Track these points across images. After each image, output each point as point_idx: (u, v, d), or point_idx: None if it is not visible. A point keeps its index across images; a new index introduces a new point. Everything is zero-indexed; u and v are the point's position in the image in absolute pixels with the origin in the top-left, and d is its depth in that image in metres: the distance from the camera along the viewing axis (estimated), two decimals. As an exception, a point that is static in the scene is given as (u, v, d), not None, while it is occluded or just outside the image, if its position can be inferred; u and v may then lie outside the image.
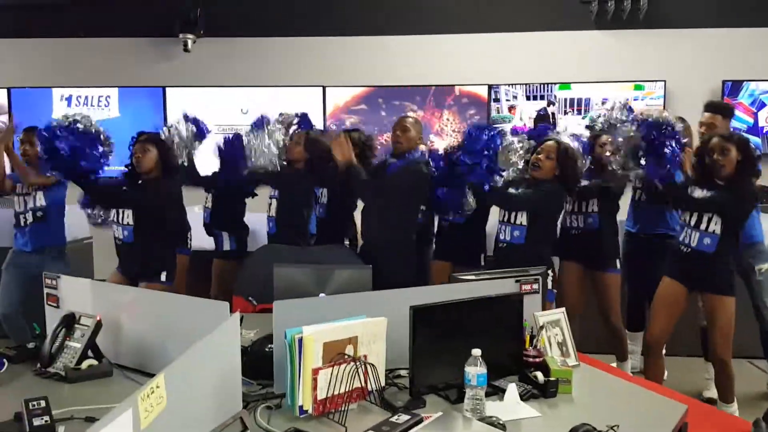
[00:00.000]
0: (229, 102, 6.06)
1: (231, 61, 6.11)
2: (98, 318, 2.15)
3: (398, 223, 3.40)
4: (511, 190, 3.32)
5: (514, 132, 3.92)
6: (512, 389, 1.89)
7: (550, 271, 3.09)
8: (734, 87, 5.67)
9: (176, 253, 3.81)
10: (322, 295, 2.45)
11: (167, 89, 6.07)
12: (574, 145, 3.39)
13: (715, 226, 3.00)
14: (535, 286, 2.39)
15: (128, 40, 6.16)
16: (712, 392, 3.50)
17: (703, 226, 3.02)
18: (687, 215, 3.10)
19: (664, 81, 5.72)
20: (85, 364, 2.11)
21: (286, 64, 6.11)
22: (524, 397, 1.92)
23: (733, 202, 3.00)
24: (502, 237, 3.31)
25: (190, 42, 5.87)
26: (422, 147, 4.21)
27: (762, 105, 5.66)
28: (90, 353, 2.14)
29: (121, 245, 3.51)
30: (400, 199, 3.37)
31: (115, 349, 2.20)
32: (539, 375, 2.00)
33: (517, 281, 2.35)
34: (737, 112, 5.56)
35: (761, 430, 1.43)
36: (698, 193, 3.06)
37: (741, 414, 3.18)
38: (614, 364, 3.75)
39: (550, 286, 3.15)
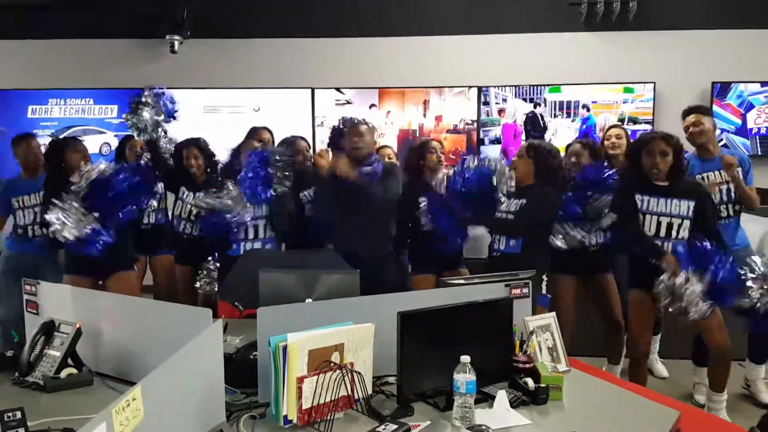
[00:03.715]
0: (218, 104, 6.01)
1: (218, 63, 6.06)
2: (78, 326, 2.10)
3: (378, 234, 3.41)
4: (504, 205, 3.27)
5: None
6: (502, 396, 1.85)
7: (545, 276, 3.08)
8: (722, 88, 5.67)
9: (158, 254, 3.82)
10: (308, 300, 2.40)
11: (154, 91, 6.01)
12: None
13: (684, 232, 2.98)
14: (525, 290, 2.35)
15: (114, 41, 6.10)
16: (702, 397, 3.49)
17: (673, 234, 3.00)
18: (651, 223, 3.06)
19: (654, 83, 5.71)
20: (64, 373, 2.06)
21: (274, 66, 6.07)
22: (514, 404, 1.88)
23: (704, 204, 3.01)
24: (496, 246, 3.26)
25: (176, 43, 5.82)
26: (388, 151, 4.18)
27: (750, 106, 5.66)
28: (70, 361, 2.09)
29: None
30: (380, 212, 3.37)
31: (96, 358, 2.15)
32: (529, 381, 1.96)
33: (506, 285, 2.32)
34: (726, 114, 5.58)
35: (756, 440, 1.40)
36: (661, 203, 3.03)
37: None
38: (604, 367, 3.73)
39: (544, 290, 3.12)
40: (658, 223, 3.04)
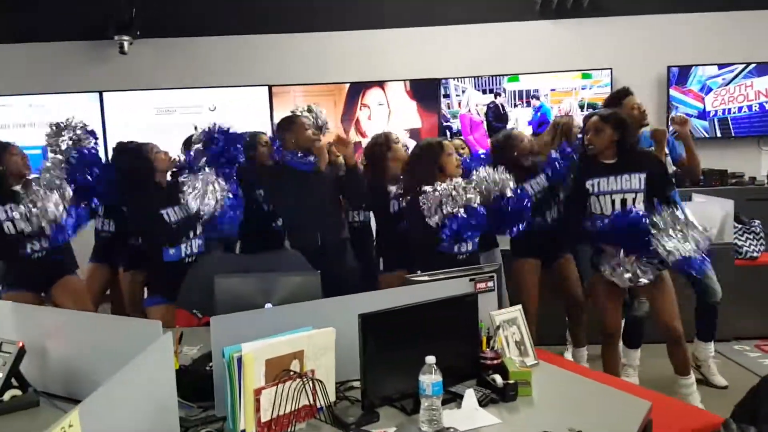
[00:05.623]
0: (172, 105, 5.85)
1: (171, 63, 5.89)
2: (20, 344, 1.97)
3: (332, 225, 3.43)
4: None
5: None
6: (470, 395, 1.79)
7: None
8: (682, 74, 5.73)
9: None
10: (268, 305, 2.31)
11: (104, 94, 5.81)
12: None
13: (639, 206, 2.97)
14: (490, 284, 2.30)
15: (60, 44, 5.87)
16: (627, 378, 3.50)
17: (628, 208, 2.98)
18: (606, 202, 3.03)
19: (611, 69, 5.74)
20: (7, 395, 1.93)
21: (229, 64, 5.93)
22: (483, 402, 1.82)
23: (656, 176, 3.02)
24: (464, 249, 3.18)
25: (126, 44, 5.61)
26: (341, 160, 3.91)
27: (709, 90, 5.74)
28: (14, 382, 1.97)
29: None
30: (333, 203, 3.42)
31: (42, 377, 2.02)
32: (497, 378, 1.90)
33: (471, 280, 2.26)
34: (688, 99, 5.65)
35: (731, 432, 1.36)
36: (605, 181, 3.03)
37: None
38: (566, 354, 3.71)
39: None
40: (612, 201, 3.01)
